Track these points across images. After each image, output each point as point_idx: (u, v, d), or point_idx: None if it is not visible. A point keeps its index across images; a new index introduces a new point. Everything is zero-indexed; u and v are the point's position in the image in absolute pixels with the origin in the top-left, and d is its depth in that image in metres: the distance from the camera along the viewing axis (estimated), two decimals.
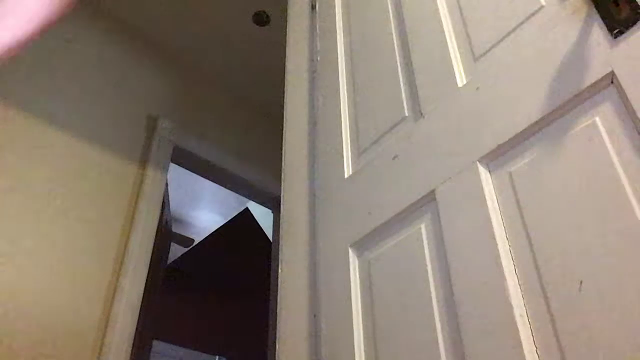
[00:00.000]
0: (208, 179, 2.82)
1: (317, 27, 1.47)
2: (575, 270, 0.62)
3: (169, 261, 4.30)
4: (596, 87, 0.68)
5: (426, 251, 0.83)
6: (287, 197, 1.26)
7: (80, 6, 2.45)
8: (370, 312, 0.88)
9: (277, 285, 1.41)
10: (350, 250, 0.98)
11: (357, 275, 0.95)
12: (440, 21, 1.01)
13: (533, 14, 0.82)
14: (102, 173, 2.16)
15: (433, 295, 0.79)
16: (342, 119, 1.18)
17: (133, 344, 1.94)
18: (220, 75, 2.93)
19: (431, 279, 0.80)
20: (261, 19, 2.64)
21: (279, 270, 1.16)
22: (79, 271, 1.91)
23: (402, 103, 1.03)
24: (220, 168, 2.70)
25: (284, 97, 1.47)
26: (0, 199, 1.83)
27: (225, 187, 2.88)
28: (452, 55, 0.94)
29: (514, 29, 0.84)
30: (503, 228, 0.73)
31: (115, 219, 2.11)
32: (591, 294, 0.59)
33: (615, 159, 0.63)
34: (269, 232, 3.82)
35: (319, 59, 1.39)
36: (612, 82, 0.67)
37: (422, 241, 0.85)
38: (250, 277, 4.77)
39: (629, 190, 0.60)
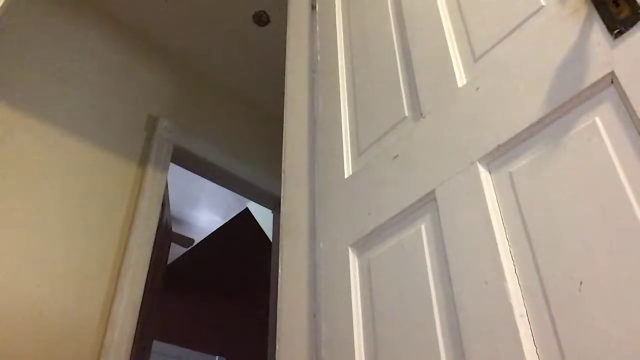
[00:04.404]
0: (208, 179, 2.82)
1: (317, 27, 1.47)
2: (575, 270, 0.62)
3: (169, 261, 4.30)
4: (596, 87, 0.68)
5: (426, 251, 0.83)
6: (287, 197, 1.26)
7: (80, 7, 2.45)
8: (370, 312, 0.88)
9: (277, 285, 1.41)
10: (350, 250, 0.98)
11: (357, 275, 0.95)
12: (440, 21, 1.01)
13: (533, 14, 0.82)
14: (102, 173, 2.16)
15: (433, 295, 0.79)
16: (342, 119, 1.18)
17: (133, 344, 1.94)
18: (220, 75, 2.93)
19: (431, 279, 0.80)
20: (261, 19, 2.64)
21: (279, 270, 1.16)
22: (78, 271, 1.91)
23: (402, 103, 1.03)
24: (220, 168, 2.69)
25: (284, 97, 1.47)
26: (0, 199, 1.83)
27: (225, 187, 2.87)
28: (452, 55, 0.94)
29: (514, 29, 0.84)
30: (503, 228, 0.73)
31: (115, 219, 2.11)
32: (591, 294, 0.59)
33: (615, 159, 0.63)
34: (269, 232, 3.82)
35: (319, 59, 1.39)
36: (612, 82, 0.67)
37: (422, 241, 0.85)
38: (250, 277, 4.77)
39: (629, 190, 0.60)
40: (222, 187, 2.88)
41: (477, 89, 0.85)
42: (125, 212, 2.15)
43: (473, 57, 0.91)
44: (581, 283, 0.61)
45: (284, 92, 1.48)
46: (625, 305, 0.56)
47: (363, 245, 0.97)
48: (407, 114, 1.00)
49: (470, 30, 0.94)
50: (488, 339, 0.67)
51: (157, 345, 3.91)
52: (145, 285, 2.07)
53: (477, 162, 0.80)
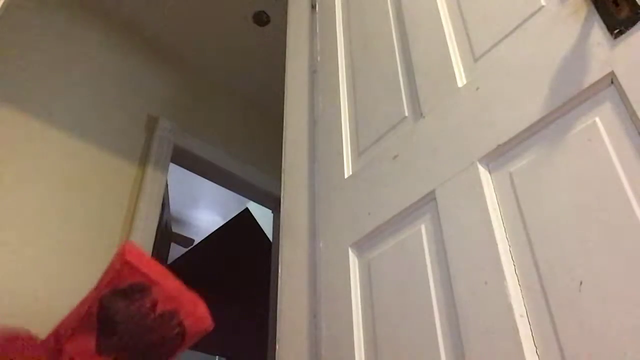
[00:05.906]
0: (208, 179, 2.82)
1: (317, 27, 1.47)
2: (575, 270, 0.62)
3: (169, 261, 4.30)
4: (596, 87, 0.68)
5: (426, 251, 0.83)
6: (287, 197, 1.26)
7: (81, 7, 2.45)
8: (370, 312, 0.88)
9: (277, 285, 1.41)
10: (350, 250, 0.98)
11: (357, 275, 0.95)
12: (440, 21, 1.01)
13: (533, 14, 0.82)
14: (102, 173, 2.16)
15: (433, 295, 0.79)
16: (342, 119, 1.18)
17: None
18: (220, 75, 2.93)
19: (431, 279, 0.80)
20: (261, 19, 2.64)
21: (279, 270, 1.16)
22: (78, 271, 1.91)
23: (402, 103, 1.03)
24: (220, 168, 2.69)
25: (283, 97, 1.47)
26: (0, 200, 1.83)
27: (225, 187, 2.87)
28: (452, 55, 0.94)
29: (514, 29, 0.84)
30: (503, 228, 0.73)
31: (115, 219, 2.11)
32: (591, 294, 0.59)
33: (615, 159, 0.63)
34: (269, 232, 3.82)
35: (319, 59, 1.39)
36: (612, 82, 0.67)
37: (422, 241, 0.85)
38: (250, 277, 4.76)
39: (629, 190, 0.60)
40: (222, 187, 2.88)
41: (477, 89, 0.85)
42: (125, 212, 2.15)
43: (473, 57, 0.91)
44: (581, 283, 0.61)
45: (283, 92, 1.48)
46: (625, 305, 0.56)
47: (363, 245, 0.96)
48: (407, 114, 1.00)
49: (470, 30, 0.94)
50: (488, 339, 0.67)
51: None
52: None
53: (477, 162, 0.80)
